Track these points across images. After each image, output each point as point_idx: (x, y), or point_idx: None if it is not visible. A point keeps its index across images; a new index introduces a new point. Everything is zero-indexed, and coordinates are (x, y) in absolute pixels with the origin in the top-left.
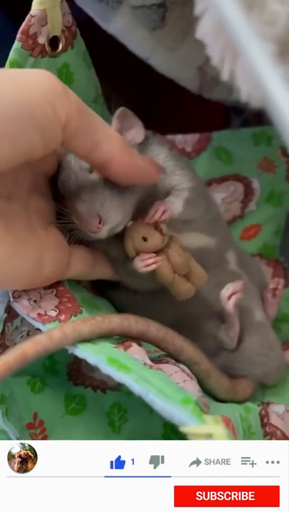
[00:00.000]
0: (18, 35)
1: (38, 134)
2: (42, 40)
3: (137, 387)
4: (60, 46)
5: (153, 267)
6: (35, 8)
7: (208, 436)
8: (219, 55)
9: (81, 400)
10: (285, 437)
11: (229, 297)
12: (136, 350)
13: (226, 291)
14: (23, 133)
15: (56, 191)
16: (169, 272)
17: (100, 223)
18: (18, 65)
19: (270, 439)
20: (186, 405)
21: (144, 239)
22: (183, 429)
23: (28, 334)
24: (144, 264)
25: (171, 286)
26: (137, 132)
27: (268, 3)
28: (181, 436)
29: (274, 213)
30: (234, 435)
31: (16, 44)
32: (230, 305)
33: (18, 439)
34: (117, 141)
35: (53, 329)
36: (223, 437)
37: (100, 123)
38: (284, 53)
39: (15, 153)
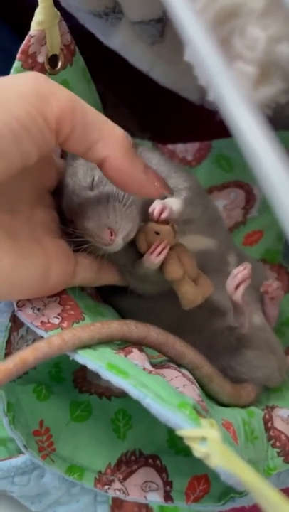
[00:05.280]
0: (18, 55)
1: (30, 143)
2: (41, 59)
3: (134, 391)
4: (60, 64)
5: (164, 253)
6: (34, 28)
7: (203, 440)
8: (205, 77)
9: (86, 406)
10: None
11: (236, 287)
12: (136, 356)
13: (232, 280)
14: (16, 145)
15: (62, 213)
16: (179, 267)
17: (112, 235)
18: None
19: (274, 443)
20: (182, 409)
21: (157, 233)
22: (178, 432)
23: (33, 343)
24: (154, 256)
25: (180, 285)
26: None
27: (248, 28)
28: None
29: (276, 219)
30: (235, 439)
31: (16, 63)
32: (238, 296)
33: (25, 446)
34: (115, 142)
35: (52, 336)
36: (216, 441)
37: (96, 121)
38: (264, 76)
39: (11, 164)
